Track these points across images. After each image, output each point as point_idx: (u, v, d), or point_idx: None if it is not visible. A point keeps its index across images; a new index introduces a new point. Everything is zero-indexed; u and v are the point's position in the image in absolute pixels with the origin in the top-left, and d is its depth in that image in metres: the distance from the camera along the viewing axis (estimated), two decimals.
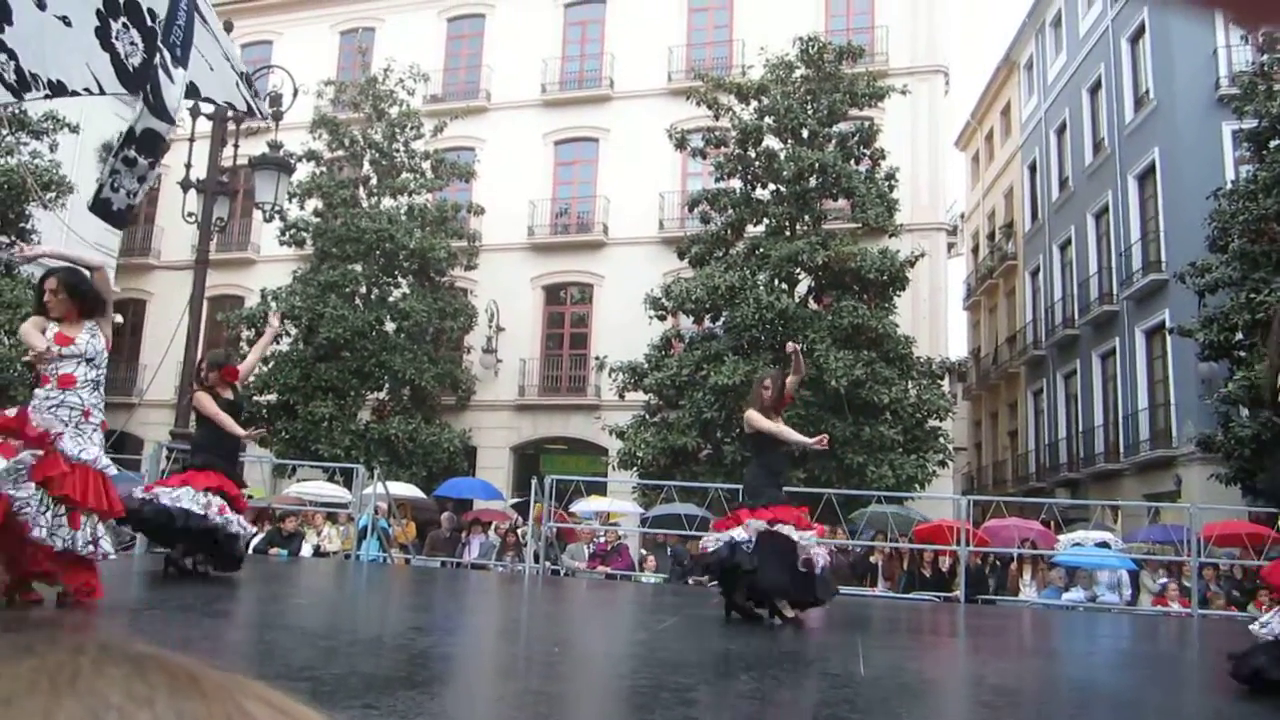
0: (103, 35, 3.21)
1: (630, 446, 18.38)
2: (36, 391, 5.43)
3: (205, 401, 7.73)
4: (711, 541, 7.06)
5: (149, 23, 3.39)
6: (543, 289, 25.97)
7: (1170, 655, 7.79)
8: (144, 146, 3.48)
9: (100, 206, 3.51)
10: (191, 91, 3.67)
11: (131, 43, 3.32)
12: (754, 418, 7.27)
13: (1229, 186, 17.29)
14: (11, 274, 18.89)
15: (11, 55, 2.90)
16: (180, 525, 7.24)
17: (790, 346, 7.58)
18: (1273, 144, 16.29)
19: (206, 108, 12.92)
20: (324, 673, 3.84)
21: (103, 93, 3.40)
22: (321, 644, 4.97)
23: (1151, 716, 4.13)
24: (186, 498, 7.30)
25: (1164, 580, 12.63)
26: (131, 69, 3.38)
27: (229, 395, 7.88)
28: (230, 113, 12.26)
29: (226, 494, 7.52)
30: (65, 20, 3.05)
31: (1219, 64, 21.36)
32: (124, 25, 3.25)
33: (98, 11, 3.16)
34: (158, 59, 3.25)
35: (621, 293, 23.28)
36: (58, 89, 3.15)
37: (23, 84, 2.96)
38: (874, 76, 20.17)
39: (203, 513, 7.27)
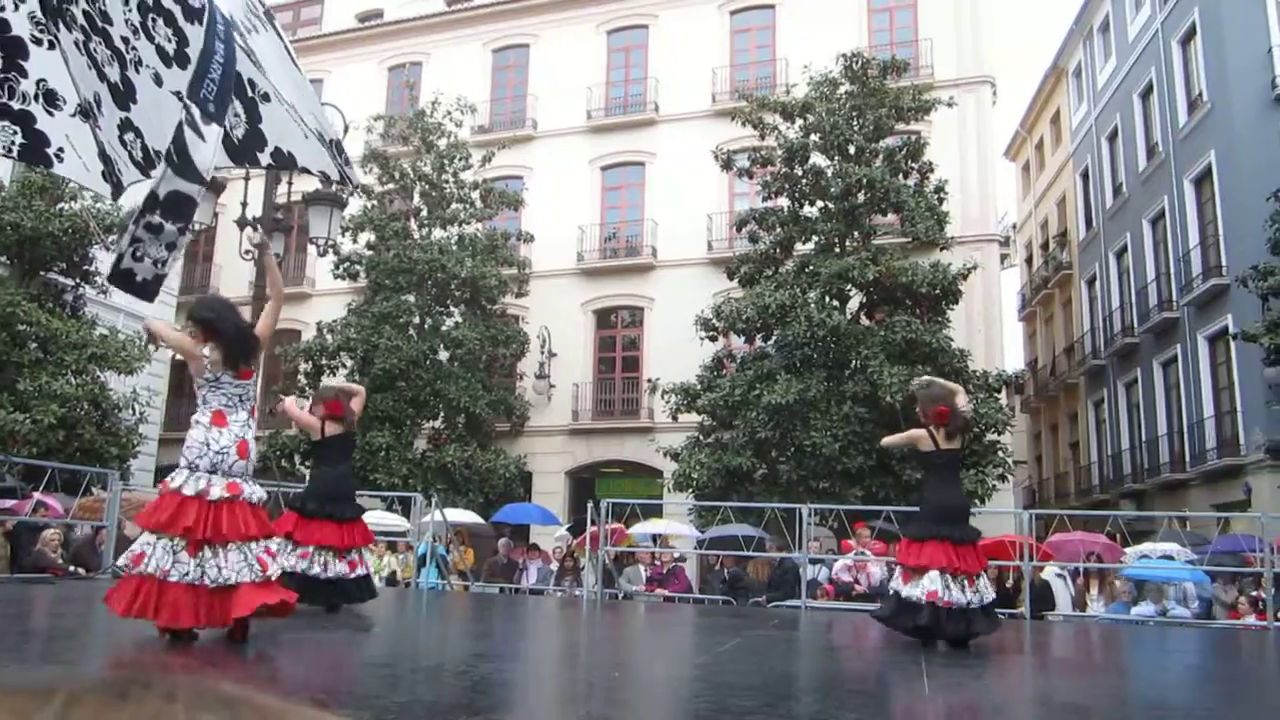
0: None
1: (685, 468, 18.34)
2: (206, 435, 5.32)
3: (290, 406, 8.15)
4: (916, 593, 6.67)
5: (249, 93, 3.47)
6: (593, 313, 26.08)
7: (1248, 671, 7.58)
8: (170, 211, 3.46)
9: (121, 278, 3.51)
10: (288, 161, 3.75)
11: (235, 114, 3.40)
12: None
13: None
14: (77, 315, 19.37)
15: (139, 134, 2.96)
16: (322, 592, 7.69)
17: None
18: None
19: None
20: (388, 701, 3.86)
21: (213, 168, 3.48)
22: (384, 672, 5.01)
23: None
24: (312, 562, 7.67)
25: (1230, 594, 12.31)
26: (236, 141, 3.47)
27: (338, 429, 8.04)
28: (328, 184, 12.52)
29: (337, 547, 7.78)
30: (178, 95, 3.12)
31: (1274, 62, 20.94)
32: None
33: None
34: (183, 116, 3.29)
35: (672, 315, 23.31)
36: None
37: (149, 161, 3.02)
38: (919, 90, 20.06)
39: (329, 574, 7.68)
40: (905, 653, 6.48)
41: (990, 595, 6.89)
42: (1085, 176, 30.86)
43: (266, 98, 3.64)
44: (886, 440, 7.62)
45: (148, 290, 3.65)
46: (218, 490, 5.26)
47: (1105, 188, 29.05)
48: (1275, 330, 15.54)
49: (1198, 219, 23.18)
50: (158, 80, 3.05)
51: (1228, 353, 21.22)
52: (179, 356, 5.37)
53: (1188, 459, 22.71)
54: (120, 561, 5.14)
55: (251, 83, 3.50)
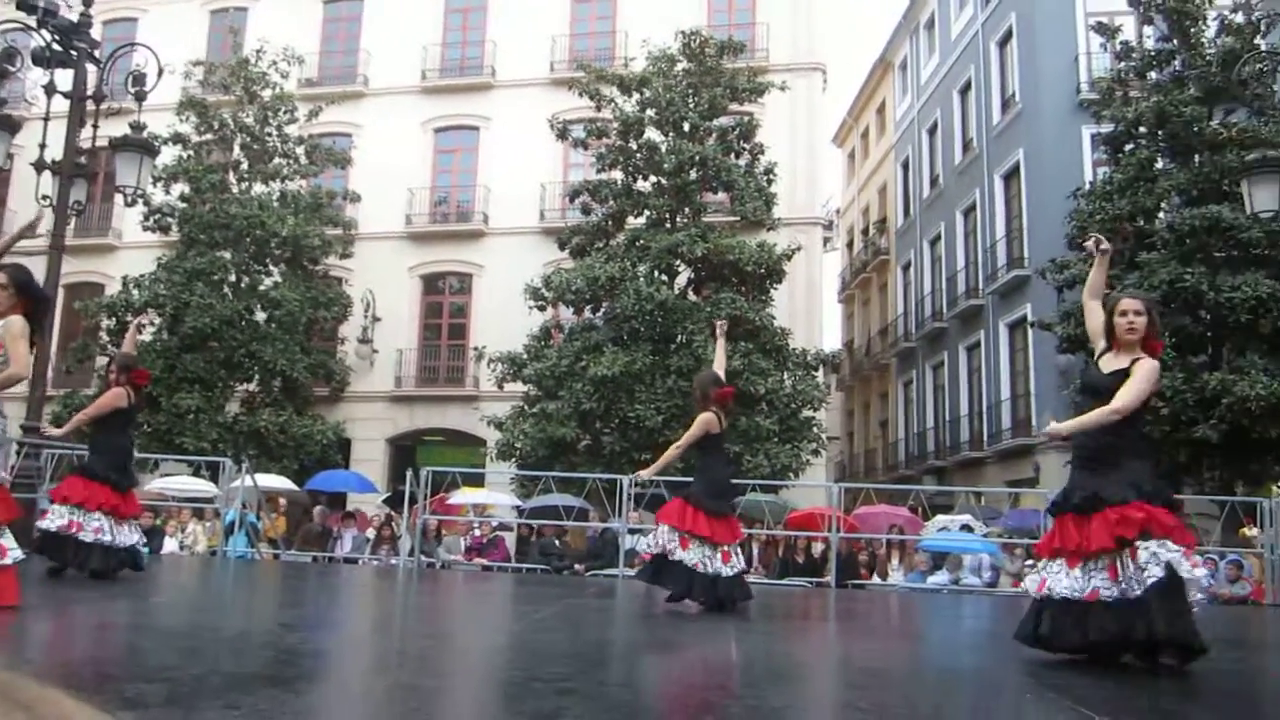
0: None
1: (509, 438, 18.27)
2: (5, 421, 5.23)
3: (104, 398, 7.72)
4: (721, 567, 7.01)
5: None
6: (420, 278, 25.58)
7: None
8: None
9: None
10: None
11: None
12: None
13: (1087, 187, 18.06)
14: None
15: None
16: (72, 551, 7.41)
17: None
18: (1127, 148, 17.09)
19: (63, 83, 12.31)
20: (182, 673, 3.69)
21: None
22: (181, 643, 4.78)
23: (1011, 694, 4.29)
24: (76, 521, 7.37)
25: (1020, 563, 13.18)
26: None
27: (136, 398, 7.87)
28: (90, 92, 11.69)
29: (115, 511, 7.51)
30: None
31: (1080, 70, 22.30)
32: None
33: None
34: None
35: (501, 283, 23.09)
36: None
37: None
38: (754, 72, 20.44)
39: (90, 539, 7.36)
40: (718, 620, 6.64)
41: (743, 564, 7.37)
42: (906, 167, 32.18)
43: None
44: (682, 444, 7.63)
45: None
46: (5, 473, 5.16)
47: (923, 178, 30.37)
48: (1068, 320, 16.59)
49: (1005, 213, 24.54)
50: None
51: (1025, 340, 22.58)
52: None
53: (985, 438, 24.12)
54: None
55: None
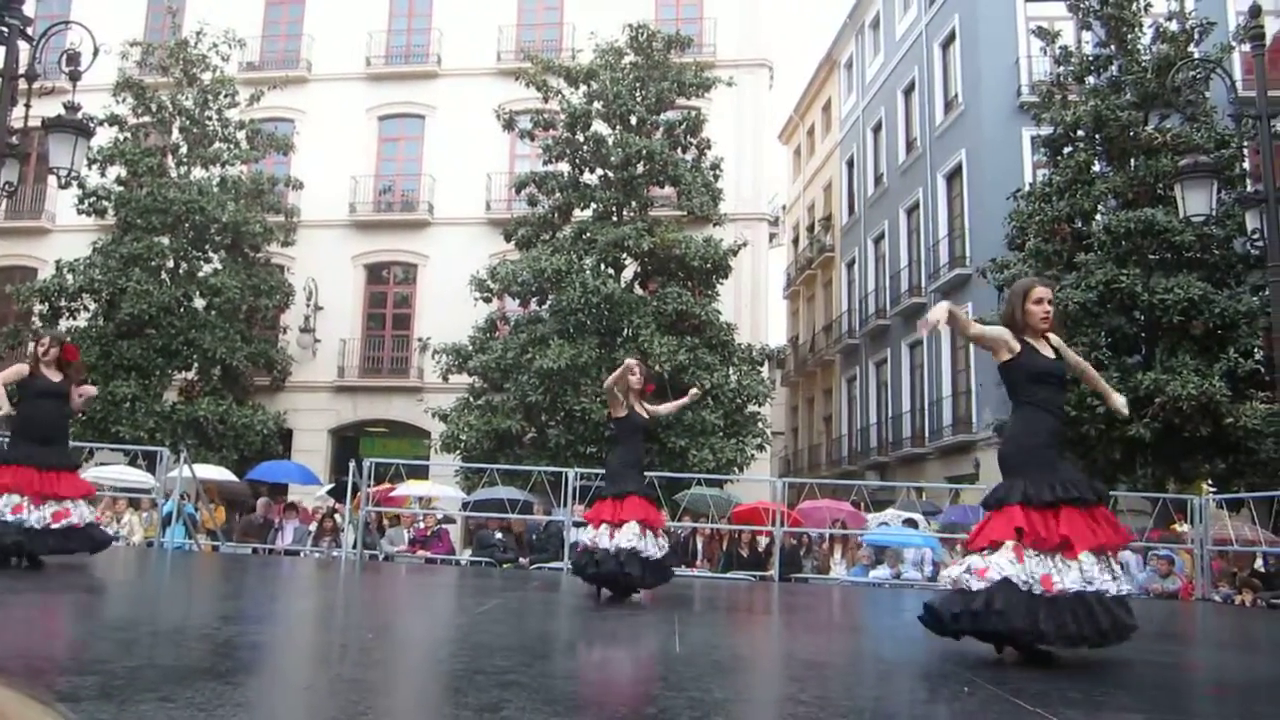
0: None
1: (453, 430, 18.15)
2: None
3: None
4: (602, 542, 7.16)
5: None
6: (364, 268, 25.29)
7: None
8: None
9: None
10: None
11: None
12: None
13: (1027, 188, 18.37)
14: None
15: None
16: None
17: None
18: (1066, 150, 17.40)
19: None
20: (116, 665, 3.62)
21: None
22: (117, 636, 4.69)
23: (949, 685, 4.36)
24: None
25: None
26: None
27: (56, 378, 7.57)
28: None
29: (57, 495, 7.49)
30: None
31: (1021, 73, 22.66)
32: None
33: None
34: None
35: (446, 273, 22.91)
36: None
37: None
38: (701, 67, 20.49)
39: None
40: (661, 613, 6.67)
41: (660, 551, 7.43)
42: (850, 164, 32.47)
43: None
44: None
45: None
46: None
47: (868, 176, 30.68)
48: None
49: (947, 212, 24.88)
50: None
51: None
52: None
53: (927, 434, 24.45)
54: None
55: None
